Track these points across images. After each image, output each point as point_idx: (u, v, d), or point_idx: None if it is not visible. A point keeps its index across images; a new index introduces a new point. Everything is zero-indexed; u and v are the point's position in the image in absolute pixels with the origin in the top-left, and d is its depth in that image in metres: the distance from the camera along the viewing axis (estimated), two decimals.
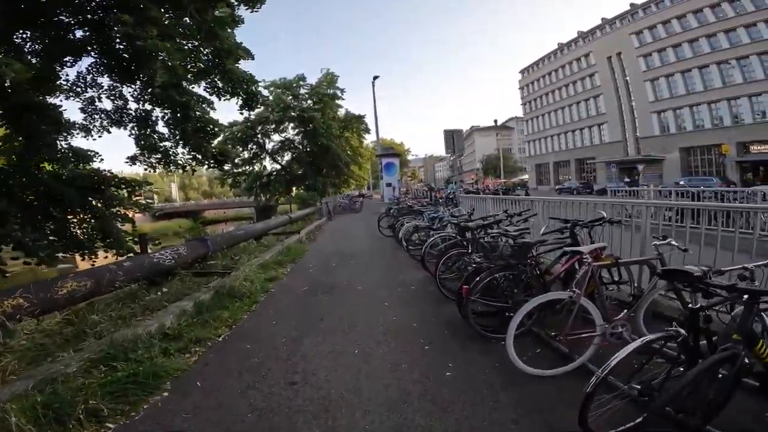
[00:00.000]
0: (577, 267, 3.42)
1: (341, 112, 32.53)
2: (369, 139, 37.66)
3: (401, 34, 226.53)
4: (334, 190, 30.76)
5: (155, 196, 70.10)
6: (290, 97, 29.76)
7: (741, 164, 32.17)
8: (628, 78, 41.51)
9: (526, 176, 60.41)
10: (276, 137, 32.28)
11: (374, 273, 6.89)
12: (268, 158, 33.11)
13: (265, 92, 28.67)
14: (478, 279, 3.45)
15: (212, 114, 10.02)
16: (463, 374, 3.15)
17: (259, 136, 31.53)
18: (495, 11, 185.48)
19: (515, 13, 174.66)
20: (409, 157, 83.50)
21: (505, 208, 6.43)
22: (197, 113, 9.26)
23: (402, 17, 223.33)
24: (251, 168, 32.46)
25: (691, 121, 36.06)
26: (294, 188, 32.74)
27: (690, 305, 2.16)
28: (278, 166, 33.32)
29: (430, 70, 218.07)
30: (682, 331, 2.10)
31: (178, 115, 9.09)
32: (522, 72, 60.58)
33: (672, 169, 36.39)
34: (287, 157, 33.40)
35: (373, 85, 29.72)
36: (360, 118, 33.36)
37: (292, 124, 30.73)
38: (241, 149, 30.98)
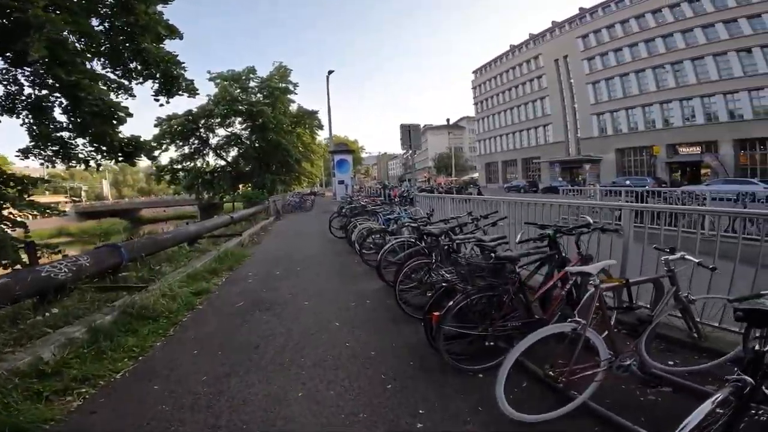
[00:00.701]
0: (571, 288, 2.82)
1: (293, 107, 31.69)
2: (322, 135, 36.72)
3: (357, 34, 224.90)
4: (283, 187, 29.45)
5: (83, 194, 63.93)
6: (238, 90, 28.37)
7: (670, 165, 34.73)
8: (572, 80, 43.44)
9: (476, 174, 61.85)
10: (221, 132, 30.88)
11: (324, 283, 5.99)
12: (211, 154, 31.44)
13: (211, 84, 28.16)
14: (451, 304, 2.72)
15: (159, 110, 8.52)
16: (439, 426, 2.41)
17: (202, 130, 29.82)
18: (449, 15, 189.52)
19: (470, 15, 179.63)
20: (363, 155, 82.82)
21: (468, 210, 5.81)
22: (92, 96, 7.69)
23: (358, 17, 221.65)
24: (192, 164, 30.55)
25: (626, 123, 38.46)
26: (241, 186, 31.19)
27: (756, 347, 1.57)
28: (223, 163, 31.84)
29: (385, 70, 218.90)
30: (749, 380, 1.52)
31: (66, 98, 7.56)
32: (475, 72, 61.97)
33: (608, 170, 38.63)
34: (233, 153, 32.10)
35: (328, 80, 28.65)
36: (313, 114, 32.59)
37: (239, 119, 29.40)
38: (181, 143, 29.27)
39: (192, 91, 9.94)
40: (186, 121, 27.77)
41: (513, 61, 53.05)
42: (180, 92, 9.38)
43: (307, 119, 32.39)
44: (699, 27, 31.71)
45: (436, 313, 2.75)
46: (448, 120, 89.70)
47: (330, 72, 29.27)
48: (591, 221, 3.38)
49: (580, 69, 41.95)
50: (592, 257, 3.27)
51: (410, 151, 12.21)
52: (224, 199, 31.53)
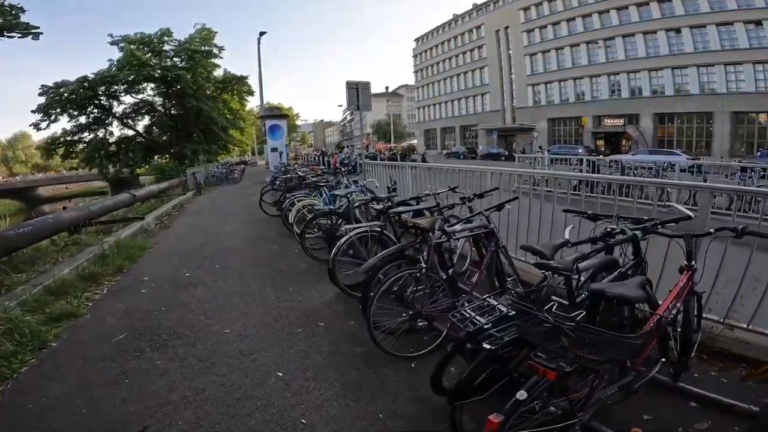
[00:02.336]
0: None
1: (219, 72, 28.59)
2: (254, 103, 33.62)
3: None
4: (207, 157, 26.25)
5: None
6: (149, 54, 24.91)
7: (595, 135, 36.83)
8: (511, 51, 43.85)
9: (414, 141, 61.44)
10: (129, 99, 26.91)
11: (254, 293, 4.25)
12: (116, 123, 27.32)
13: (115, 49, 24.75)
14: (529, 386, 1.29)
15: None
16: None
17: (104, 98, 25.87)
18: None
19: None
20: (299, 123, 78.53)
21: (450, 184, 4.35)
22: None
23: None
24: (92, 135, 26.44)
25: (558, 95, 39.87)
26: (157, 157, 27.46)
27: None
28: (131, 133, 27.88)
29: (323, 38, 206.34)
30: None
31: None
32: (417, 40, 60.75)
33: (540, 138, 39.96)
34: (145, 121, 28.30)
35: (259, 42, 25.34)
36: (242, 79, 29.41)
37: (152, 85, 26.02)
38: (76, 113, 25.23)
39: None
40: (79, 87, 24.04)
41: (455, 30, 52.42)
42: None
43: (235, 84, 29.39)
44: (634, 5, 32.79)
45: (495, 420, 1.29)
46: (387, 88, 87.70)
47: (262, 33, 26.20)
48: (689, 214, 2.12)
49: (520, 41, 42.31)
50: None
51: (356, 114, 10.50)
52: (138, 173, 27.63)
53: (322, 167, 11.68)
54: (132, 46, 24.36)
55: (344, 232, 3.48)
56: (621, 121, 34.54)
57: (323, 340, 3.15)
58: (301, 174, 8.57)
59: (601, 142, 36.42)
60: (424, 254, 2.79)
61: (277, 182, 10.36)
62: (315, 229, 5.16)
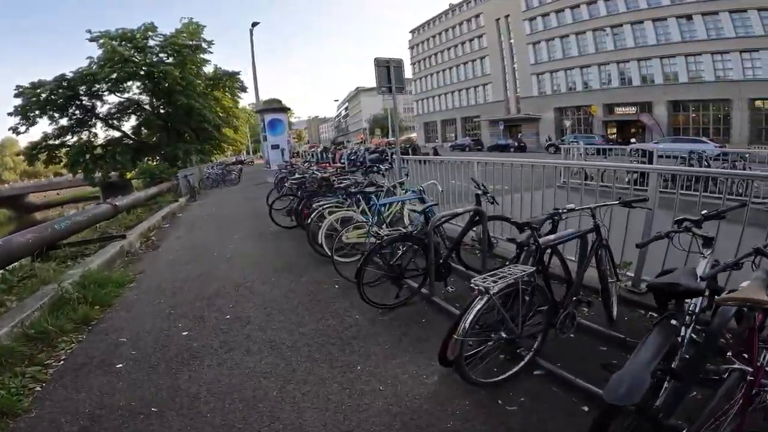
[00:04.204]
0: None
1: (209, 68, 27.22)
2: (247, 101, 32.07)
3: None
4: (200, 157, 24.67)
5: None
6: (132, 50, 23.27)
7: (606, 123, 35.46)
8: (512, 40, 42.16)
9: (413, 134, 59.78)
10: (113, 98, 25.34)
11: (296, 377, 2.62)
12: (100, 124, 25.82)
13: (94, 45, 22.96)
14: None
15: None
16: None
17: (85, 98, 24.34)
18: None
19: None
20: (293, 119, 76.79)
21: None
22: None
23: None
24: (76, 138, 25.02)
25: (565, 83, 38.36)
26: (147, 159, 25.83)
27: None
28: (118, 134, 26.45)
29: (316, 32, 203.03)
30: None
31: None
32: (413, 32, 58.80)
33: (547, 128, 38.76)
34: (132, 121, 26.91)
35: (251, 33, 23.17)
36: (234, 75, 27.87)
37: (138, 83, 24.47)
38: (57, 115, 23.76)
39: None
40: (58, 87, 22.51)
41: (453, 20, 50.61)
42: None
43: (227, 81, 27.81)
44: None
45: None
46: None
47: (254, 24, 24.00)
48: None
49: (521, 29, 40.63)
50: None
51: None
52: (129, 176, 26.02)
53: (343, 164, 10.01)
54: (113, 42, 22.75)
55: (482, 290, 1.87)
56: (633, 110, 33.22)
57: None
58: (323, 174, 6.89)
59: (612, 131, 35.10)
60: None
61: (287, 185, 8.76)
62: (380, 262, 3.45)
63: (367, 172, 6.55)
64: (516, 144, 34.78)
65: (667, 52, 30.42)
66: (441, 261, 3.33)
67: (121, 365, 2.94)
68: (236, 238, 6.85)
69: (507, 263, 2.35)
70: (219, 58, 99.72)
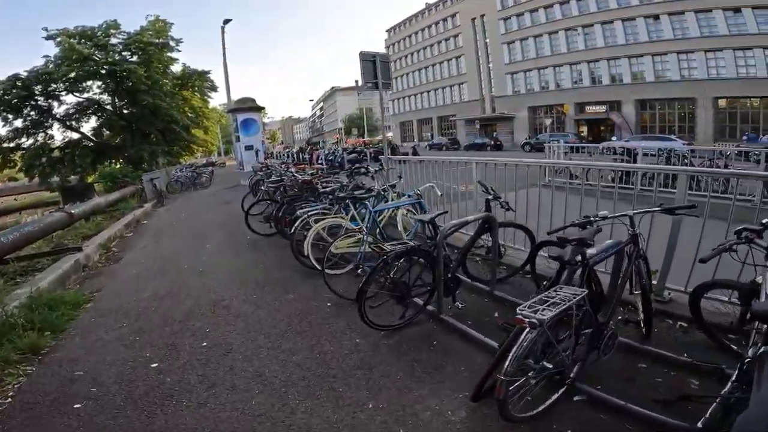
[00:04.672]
0: None
1: (177, 67, 25.85)
2: (218, 101, 30.93)
3: None
4: (168, 159, 23.55)
5: None
6: (92, 49, 21.99)
7: (578, 122, 36.29)
8: (488, 40, 42.58)
9: (390, 134, 59.58)
10: (71, 99, 23.69)
11: (296, 421, 2.17)
12: (57, 125, 24.09)
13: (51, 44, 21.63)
14: None
15: None
16: None
17: (41, 98, 22.70)
18: None
19: None
20: (266, 120, 75.01)
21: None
22: None
23: None
24: (32, 140, 23.37)
25: (538, 82, 39.05)
26: (111, 162, 24.53)
27: None
28: (76, 135, 24.73)
29: (289, 34, 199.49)
30: None
31: None
32: (389, 31, 58.64)
33: (521, 127, 39.38)
34: (92, 122, 25.36)
35: (223, 31, 22.25)
36: (203, 74, 26.58)
37: (98, 82, 23.05)
38: (11, 117, 22.09)
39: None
40: (12, 87, 21.02)
41: (429, 19, 50.71)
42: None
43: (196, 80, 26.47)
44: None
45: None
46: (356, 81, 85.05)
47: (226, 21, 23.01)
48: None
49: (496, 29, 41.09)
50: None
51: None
52: (91, 180, 24.49)
53: (322, 165, 9.49)
54: (71, 40, 21.39)
55: (536, 323, 1.49)
56: (603, 108, 34.12)
57: None
58: (304, 177, 6.39)
59: (583, 129, 35.96)
60: None
61: (263, 188, 8.21)
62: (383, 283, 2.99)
63: (353, 173, 6.09)
64: (492, 143, 35.07)
65: (635, 51, 31.34)
66: (450, 275, 2.95)
67: (79, 405, 2.42)
68: (209, 247, 6.25)
69: (544, 283, 2.00)
70: (193, 59, 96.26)
